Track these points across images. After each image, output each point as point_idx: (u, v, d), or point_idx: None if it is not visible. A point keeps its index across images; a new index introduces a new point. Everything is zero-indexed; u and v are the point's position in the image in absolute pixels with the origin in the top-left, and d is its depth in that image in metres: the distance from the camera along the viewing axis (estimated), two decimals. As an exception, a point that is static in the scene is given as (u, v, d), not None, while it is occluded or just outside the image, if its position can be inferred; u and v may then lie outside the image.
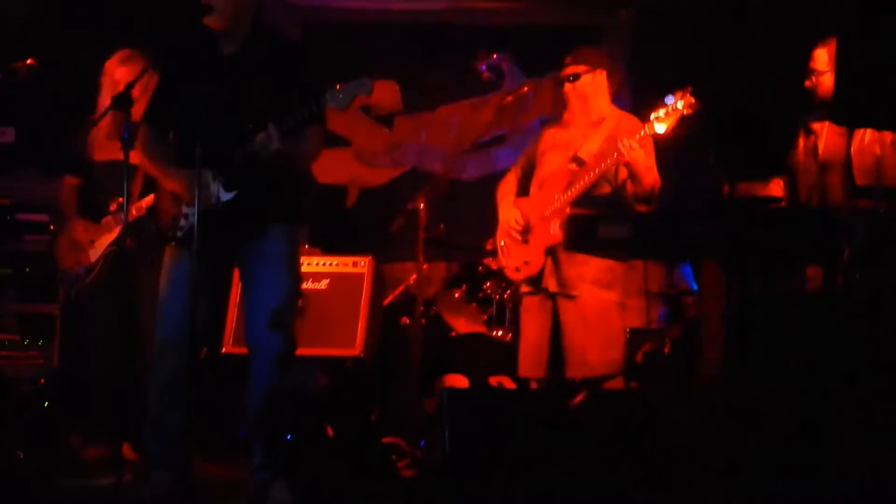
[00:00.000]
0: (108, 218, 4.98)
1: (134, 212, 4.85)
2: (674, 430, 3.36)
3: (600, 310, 4.58)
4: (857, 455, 2.94)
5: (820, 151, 4.49)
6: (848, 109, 3.39)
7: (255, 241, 4.17)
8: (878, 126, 4.03)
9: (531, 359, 4.71)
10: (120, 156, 4.81)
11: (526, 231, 4.73)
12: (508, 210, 4.84)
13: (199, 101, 4.03)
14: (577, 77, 4.73)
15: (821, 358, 3.04)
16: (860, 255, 3.60)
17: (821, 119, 4.52)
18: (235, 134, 4.01)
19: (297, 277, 4.41)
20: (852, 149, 4.30)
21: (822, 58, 4.51)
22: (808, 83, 4.56)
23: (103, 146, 5.07)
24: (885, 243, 3.67)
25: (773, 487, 3.02)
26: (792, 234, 3.31)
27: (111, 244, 4.93)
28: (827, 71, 4.46)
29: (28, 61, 4.91)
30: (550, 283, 4.64)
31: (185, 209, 4.13)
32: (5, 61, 4.92)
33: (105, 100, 5.00)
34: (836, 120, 4.14)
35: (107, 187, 4.99)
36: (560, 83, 4.81)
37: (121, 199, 4.84)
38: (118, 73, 5.00)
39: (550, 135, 4.89)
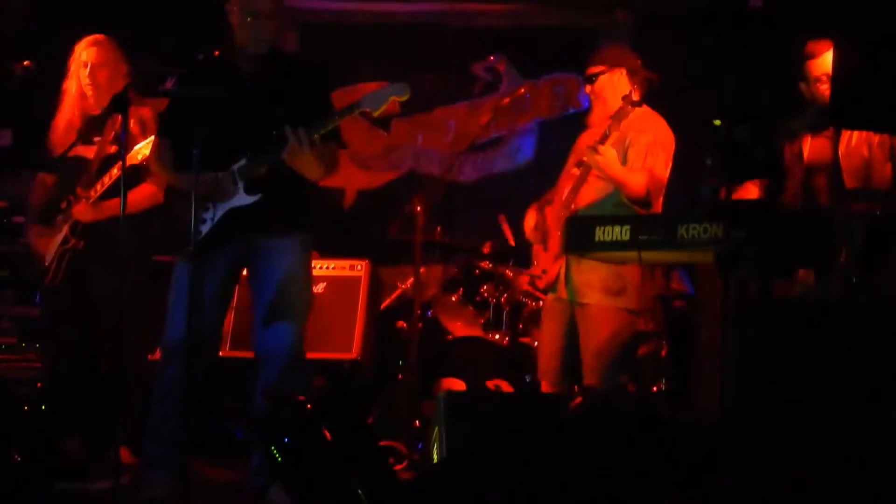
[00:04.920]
0: (59, 217, 4.81)
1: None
2: (672, 432, 3.36)
3: (609, 318, 4.53)
4: (857, 456, 2.94)
5: (805, 155, 4.40)
6: (847, 111, 3.37)
7: (273, 248, 4.18)
8: (878, 129, 4.00)
9: (546, 364, 4.71)
10: (79, 151, 4.82)
11: (546, 237, 4.71)
12: (529, 216, 4.80)
13: (206, 104, 4.00)
14: (594, 78, 4.67)
15: (819, 361, 3.04)
16: (858, 258, 3.59)
17: (808, 122, 4.44)
18: (255, 141, 4.06)
19: (310, 284, 4.41)
20: (839, 151, 4.23)
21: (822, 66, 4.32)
22: (818, 90, 4.33)
23: (63, 139, 4.88)
24: (882, 246, 3.67)
25: (772, 490, 3.02)
26: (790, 236, 3.30)
27: (60, 244, 4.79)
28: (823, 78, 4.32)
29: (25, 63, 4.89)
30: (564, 292, 4.62)
31: (202, 215, 4.12)
32: (2, 63, 4.91)
33: (70, 84, 4.86)
34: (836, 122, 4.10)
35: (62, 184, 4.86)
36: (585, 84, 4.76)
37: (72, 196, 4.76)
38: (86, 54, 4.82)
39: (580, 138, 4.82)
